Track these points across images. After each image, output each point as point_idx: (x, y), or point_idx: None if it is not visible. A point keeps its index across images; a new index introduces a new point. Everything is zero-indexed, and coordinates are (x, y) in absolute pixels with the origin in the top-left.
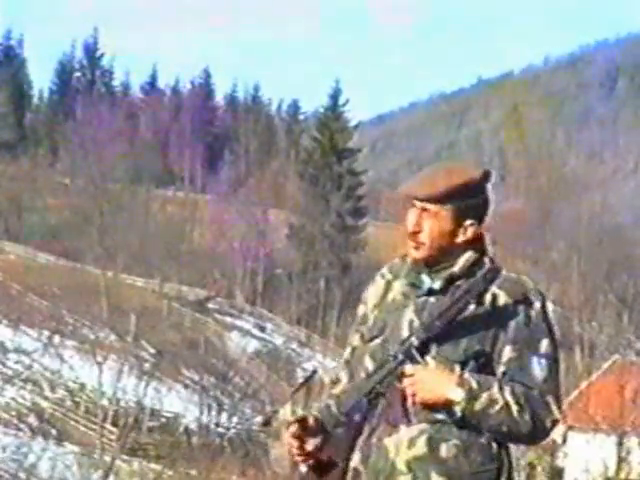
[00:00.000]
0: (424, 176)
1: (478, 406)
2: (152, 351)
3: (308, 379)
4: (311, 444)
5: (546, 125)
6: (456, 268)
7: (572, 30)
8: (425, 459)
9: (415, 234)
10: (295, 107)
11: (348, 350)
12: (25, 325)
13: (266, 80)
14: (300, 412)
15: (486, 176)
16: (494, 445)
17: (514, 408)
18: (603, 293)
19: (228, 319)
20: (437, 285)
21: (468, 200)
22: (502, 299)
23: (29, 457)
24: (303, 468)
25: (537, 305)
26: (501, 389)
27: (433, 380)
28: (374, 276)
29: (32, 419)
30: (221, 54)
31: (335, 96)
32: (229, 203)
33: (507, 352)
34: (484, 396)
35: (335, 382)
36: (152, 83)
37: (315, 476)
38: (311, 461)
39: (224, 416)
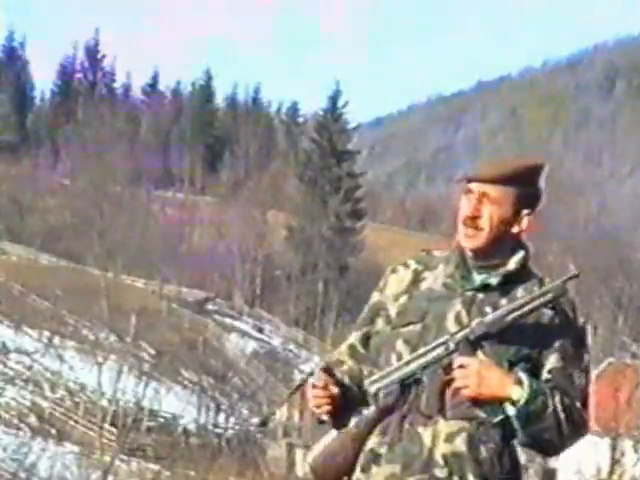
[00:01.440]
0: (488, 160)
1: (534, 407)
2: (151, 352)
3: (305, 381)
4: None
5: (544, 127)
6: (511, 267)
7: (570, 33)
8: (463, 457)
9: (473, 219)
10: (294, 109)
11: (356, 335)
12: (26, 326)
13: (267, 81)
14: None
15: (542, 168)
16: (518, 454)
17: (562, 416)
18: (599, 296)
19: (227, 320)
20: (494, 281)
21: (529, 187)
22: (557, 312)
23: (29, 457)
24: (324, 416)
25: (582, 325)
26: (552, 395)
27: (491, 375)
28: (392, 266)
29: (32, 419)
30: (221, 54)
31: (334, 98)
32: (228, 205)
33: (553, 361)
34: (540, 398)
35: (339, 363)
36: (153, 85)
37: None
38: (331, 407)
39: (222, 417)
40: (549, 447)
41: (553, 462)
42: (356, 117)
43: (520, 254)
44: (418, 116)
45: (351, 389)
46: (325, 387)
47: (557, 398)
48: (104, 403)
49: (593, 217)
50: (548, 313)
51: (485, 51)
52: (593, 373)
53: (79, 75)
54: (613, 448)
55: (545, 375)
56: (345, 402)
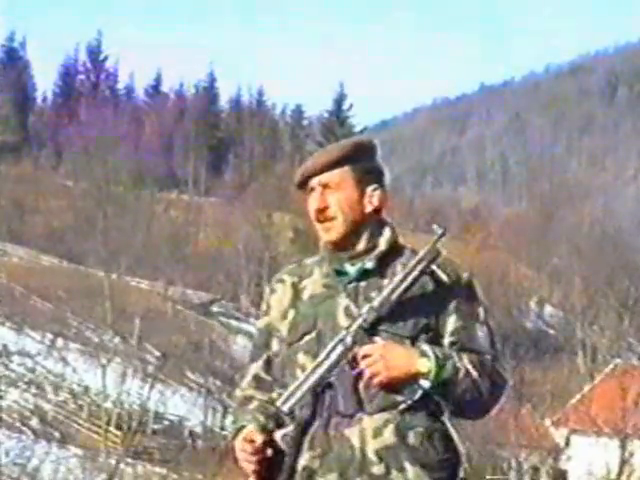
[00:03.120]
0: (314, 155)
1: (446, 374)
2: (156, 354)
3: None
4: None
5: (547, 132)
6: (383, 247)
7: (573, 38)
8: (395, 448)
9: (323, 211)
10: (299, 111)
11: (256, 365)
12: (29, 328)
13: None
14: (233, 427)
15: (374, 143)
16: (452, 433)
17: (474, 374)
18: (605, 297)
19: (233, 322)
20: (370, 265)
21: (365, 163)
22: (439, 274)
23: (32, 460)
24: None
25: (468, 279)
26: (460, 357)
27: (395, 355)
28: (269, 286)
29: (35, 422)
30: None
31: (339, 101)
32: (233, 206)
33: (451, 323)
34: (449, 364)
35: (248, 399)
36: (156, 86)
37: None
38: (258, 466)
39: (229, 419)
40: (474, 409)
41: (563, 463)
42: (362, 120)
43: (387, 233)
44: (423, 119)
45: (282, 452)
46: (260, 450)
47: (465, 358)
48: (108, 406)
49: (598, 220)
50: (432, 279)
51: (489, 56)
52: (601, 375)
53: (81, 76)
54: (622, 448)
55: (448, 339)
56: (276, 464)
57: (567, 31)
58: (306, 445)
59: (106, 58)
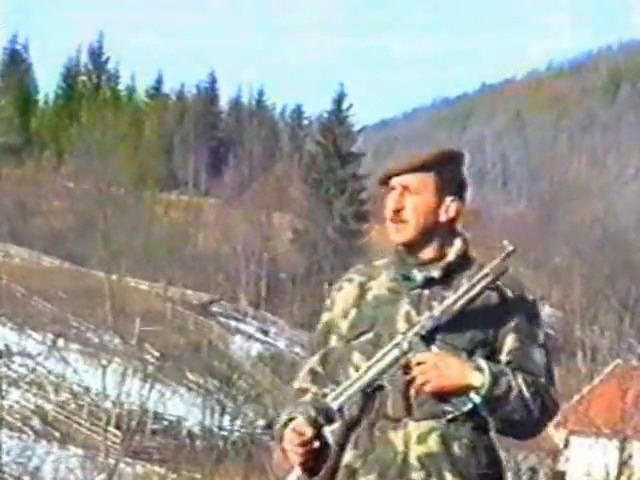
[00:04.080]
0: (400, 156)
1: (498, 391)
2: (156, 354)
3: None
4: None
5: (549, 130)
6: (451, 257)
7: (575, 36)
8: (438, 456)
9: (398, 212)
10: (299, 111)
11: (314, 359)
12: (30, 328)
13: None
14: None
15: (462, 154)
16: (497, 448)
17: (527, 395)
18: (605, 298)
19: (232, 322)
20: (436, 274)
21: (449, 174)
22: (505, 291)
23: (33, 460)
24: (297, 471)
25: (532, 300)
26: (514, 376)
27: (449, 366)
28: (337, 283)
29: (36, 422)
30: (223, 56)
31: (339, 100)
32: (233, 207)
33: (510, 341)
34: (503, 381)
35: (302, 392)
36: (157, 87)
37: (308, 475)
38: (304, 458)
39: (227, 419)
40: (521, 429)
41: (562, 465)
42: (361, 120)
43: (458, 244)
44: (423, 118)
45: (329, 447)
46: (308, 442)
47: (520, 378)
48: (108, 406)
49: (599, 219)
50: (495, 295)
51: (490, 54)
52: (600, 375)
53: (83, 77)
54: (621, 450)
55: (505, 357)
56: (321, 458)
57: (569, 28)
58: (351, 443)
59: (107, 60)
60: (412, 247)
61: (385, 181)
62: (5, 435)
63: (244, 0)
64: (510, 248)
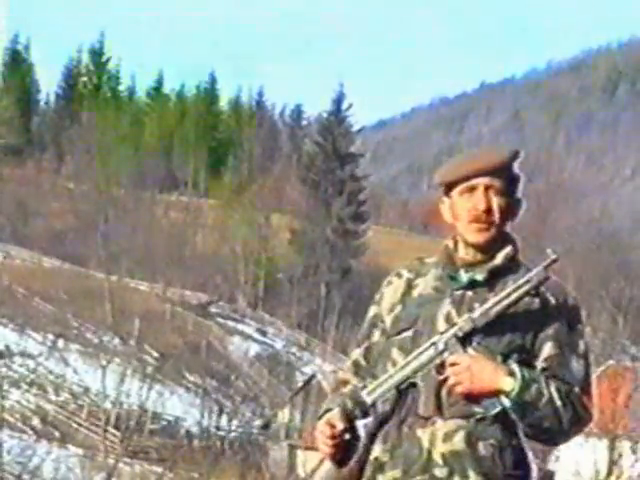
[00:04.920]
0: (478, 152)
1: (528, 397)
2: (155, 355)
3: (307, 383)
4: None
5: (547, 130)
6: (498, 261)
7: (574, 35)
8: (463, 455)
9: (488, 213)
10: (298, 112)
11: (358, 351)
12: (30, 329)
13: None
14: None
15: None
16: (526, 450)
17: (558, 403)
18: (599, 298)
19: (230, 323)
20: (480, 277)
21: (515, 173)
22: (547, 297)
23: (33, 459)
24: (327, 463)
25: (576, 308)
26: (547, 383)
27: (482, 369)
28: (388, 278)
29: (36, 422)
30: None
31: (338, 101)
32: (232, 208)
33: (547, 349)
34: (534, 387)
35: (343, 383)
36: (157, 88)
37: (337, 466)
38: (334, 449)
39: (225, 419)
40: (551, 436)
41: (552, 464)
42: (359, 120)
43: (508, 248)
44: (421, 119)
45: (360, 440)
46: (338, 435)
47: (553, 386)
48: (108, 406)
49: (594, 219)
50: (537, 301)
51: (488, 53)
52: (593, 375)
53: (84, 78)
54: (611, 449)
55: (541, 364)
56: (351, 450)
57: (568, 28)
58: (380, 438)
59: (108, 60)
60: (488, 247)
61: (462, 181)
62: (6, 435)
63: None
64: (553, 257)
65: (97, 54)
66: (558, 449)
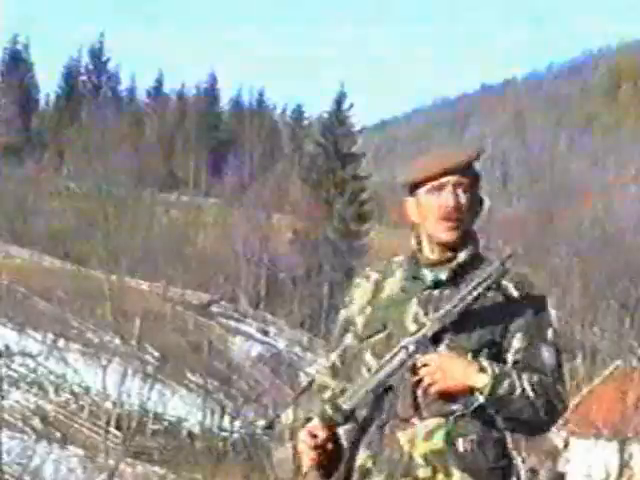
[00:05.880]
0: (445, 151)
1: (501, 391)
2: (156, 354)
3: (310, 383)
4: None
5: (549, 131)
6: (461, 259)
7: (575, 36)
8: (443, 453)
9: (459, 210)
10: (299, 112)
11: (335, 354)
12: (30, 328)
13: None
14: (300, 417)
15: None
16: (506, 441)
17: (531, 395)
18: (605, 299)
19: (232, 323)
20: (444, 276)
21: (477, 171)
22: (511, 290)
23: (33, 460)
24: (312, 474)
25: (540, 298)
26: (519, 376)
27: (453, 367)
28: (356, 280)
29: (36, 422)
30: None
31: (339, 101)
32: (233, 207)
33: (517, 341)
34: (506, 382)
35: (322, 388)
36: (158, 88)
37: (322, 477)
38: (317, 459)
39: (227, 420)
40: (529, 427)
41: (562, 466)
42: (361, 120)
43: (470, 245)
44: (423, 119)
45: (343, 447)
46: (321, 445)
47: (525, 378)
48: (108, 406)
49: (598, 220)
50: (501, 295)
51: (489, 54)
52: (600, 376)
53: (83, 78)
54: (621, 451)
55: (512, 357)
56: (335, 458)
57: (569, 28)
58: (364, 444)
59: (108, 60)
60: (456, 244)
61: (431, 179)
62: (6, 435)
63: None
64: (509, 252)
65: (97, 54)
66: (568, 451)
